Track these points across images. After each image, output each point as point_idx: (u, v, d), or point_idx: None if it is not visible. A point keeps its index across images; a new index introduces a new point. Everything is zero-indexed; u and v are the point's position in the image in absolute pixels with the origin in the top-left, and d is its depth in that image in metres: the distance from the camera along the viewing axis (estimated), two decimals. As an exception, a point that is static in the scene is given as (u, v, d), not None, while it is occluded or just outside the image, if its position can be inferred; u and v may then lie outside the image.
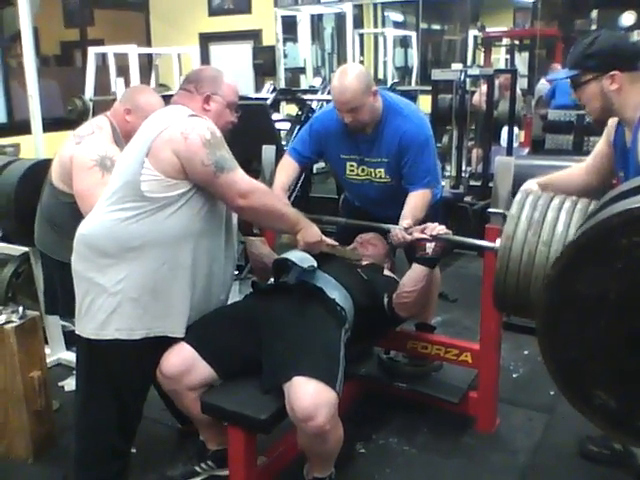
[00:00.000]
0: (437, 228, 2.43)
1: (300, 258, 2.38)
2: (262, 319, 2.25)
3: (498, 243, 1.87)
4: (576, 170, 2.33)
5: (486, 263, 2.54)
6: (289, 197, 2.95)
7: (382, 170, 2.77)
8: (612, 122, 2.15)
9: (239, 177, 2.07)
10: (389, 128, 2.70)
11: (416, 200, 2.70)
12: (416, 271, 2.47)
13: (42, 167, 2.84)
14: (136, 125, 2.34)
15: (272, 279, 2.57)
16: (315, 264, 2.37)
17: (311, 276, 2.39)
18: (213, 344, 2.16)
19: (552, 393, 2.92)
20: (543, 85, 6.69)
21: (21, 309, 2.59)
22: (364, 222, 2.79)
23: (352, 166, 2.83)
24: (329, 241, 2.46)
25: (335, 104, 2.66)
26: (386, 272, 2.76)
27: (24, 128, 4.24)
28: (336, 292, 2.37)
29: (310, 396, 1.93)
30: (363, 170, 2.81)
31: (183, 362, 2.12)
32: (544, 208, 1.81)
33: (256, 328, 2.22)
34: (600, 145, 2.25)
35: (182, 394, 2.17)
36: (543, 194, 1.92)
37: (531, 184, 2.25)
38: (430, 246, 2.44)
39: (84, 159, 2.42)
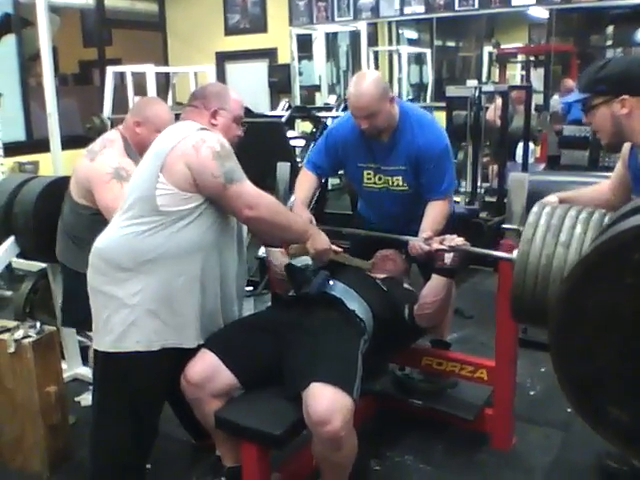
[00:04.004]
0: (455, 239, 2.45)
1: (298, 260, 2.47)
2: (283, 329, 2.29)
3: (515, 254, 1.88)
4: (600, 188, 2.33)
5: (501, 277, 2.53)
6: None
7: (400, 178, 2.77)
8: (628, 144, 2.13)
9: (246, 188, 2.10)
10: (406, 136, 2.72)
11: (435, 212, 2.72)
12: (436, 282, 2.51)
13: (60, 184, 2.88)
14: (146, 137, 2.39)
15: (293, 291, 2.59)
16: (309, 262, 2.45)
17: (331, 287, 2.44)
18: (235, 352, 2.18)
19: (569, 410, 2.88)
20: (556, 101, 6.68)
21: (38, 324, 2.62)
22: (384, 234, 2.79)
23: (369, 174, 2.83)
24: (337, 249, 2.49)
25: (351, 110, 2.67)
26: (405, 285, 2.77)
27: (43, 146, 4.29)
28: (356, 303, 2.40)
29: (326, 401, 1.95)
30: (380, 178, 2.82)
31: (207, 369, 2.14)
32: (562, 216, 1.82)
33: (277, 337, 2.26)
34: (618, 167, 2.25)
35: (205, 402, 2.18)
36: (560, 205, 1.93)
37: (551, 197, 2.26)
38: (449, 257, 2.47)
39: (100, 174, 2.47)
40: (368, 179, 2.85)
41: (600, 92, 1.99)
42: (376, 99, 2.58)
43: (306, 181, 2.92)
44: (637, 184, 2.06)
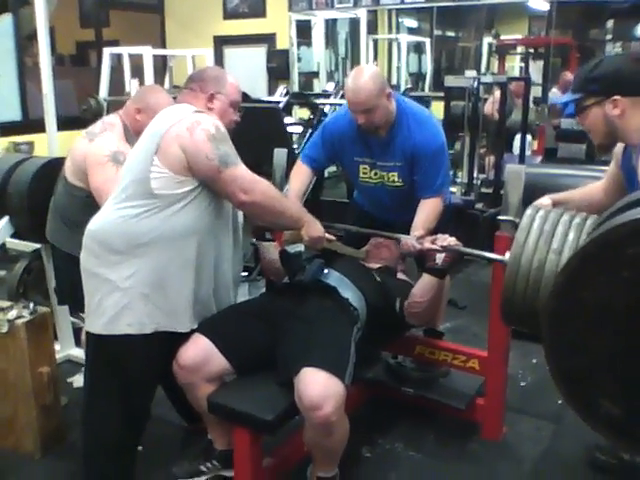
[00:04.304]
0: (448, 239, 2.44)
1: (292, 247, 2.46)
2: (277, 315, 2.29)
3: (507, 256, 1.86)
4: (593, 189, 2.31)
5: (495, 273, 2.53)
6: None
7: (395, 174, 2.77)
8: (621, 145, 2.11)
9: (241, 172, 2.08)
10: (403, 132, 2.70)
11: (428, 210, 2.71)
12: (426, 281, 2.50)
13: (55, 165, 2.87)
14: (146, 124, 2.38)
15: (287, 278, 2.59)
16: (302, 249, 2.44)
17: (326, 276, 2.44)
18: (229, 337, 2.19)
19: (560, 402, 2.90)
20: (554, 94, 6.67)
21: (32, 305, 2.61)
22: (376, 231, 2.79)
23: (365, 169, 2.83)
24: (331, 237, 2.50)
25: (349, 105, 2.66)
26: (399, 275, 2.78)
27: (39, 126, 4.26)
28: (350, 292, 2.41)
29: (319, 386, 1.96)
30: (376, 174, 2.81)
31: (199, 353, 2.15)
32: (555, 221, 1.80)
33: (271, 324, 2.27)
34: (611, 167, 2.24)
35: (197, 386, 2.18)
36: (554, 209, 1.91)
37: (544, 200, 2.24)
38: (440, 257, 2.46)
39: (97, 156, 2.47)
40: (364, 174, 2.84)
41: (592, 92, 1.96)
42: (374, 94, 2.56)
43: (300, 174, 2.91)
44: (630, 184, 2.05)
